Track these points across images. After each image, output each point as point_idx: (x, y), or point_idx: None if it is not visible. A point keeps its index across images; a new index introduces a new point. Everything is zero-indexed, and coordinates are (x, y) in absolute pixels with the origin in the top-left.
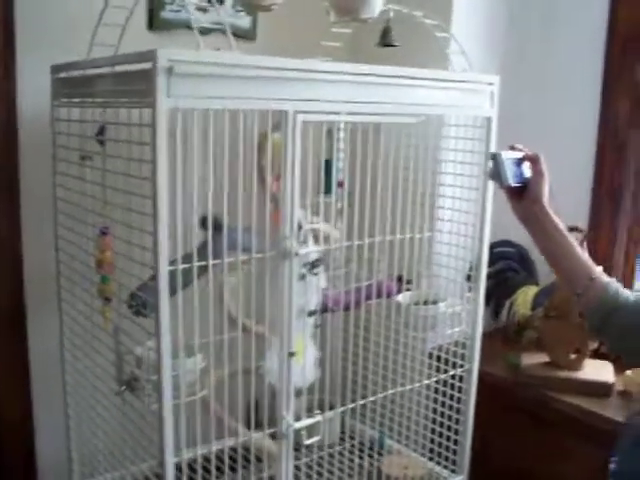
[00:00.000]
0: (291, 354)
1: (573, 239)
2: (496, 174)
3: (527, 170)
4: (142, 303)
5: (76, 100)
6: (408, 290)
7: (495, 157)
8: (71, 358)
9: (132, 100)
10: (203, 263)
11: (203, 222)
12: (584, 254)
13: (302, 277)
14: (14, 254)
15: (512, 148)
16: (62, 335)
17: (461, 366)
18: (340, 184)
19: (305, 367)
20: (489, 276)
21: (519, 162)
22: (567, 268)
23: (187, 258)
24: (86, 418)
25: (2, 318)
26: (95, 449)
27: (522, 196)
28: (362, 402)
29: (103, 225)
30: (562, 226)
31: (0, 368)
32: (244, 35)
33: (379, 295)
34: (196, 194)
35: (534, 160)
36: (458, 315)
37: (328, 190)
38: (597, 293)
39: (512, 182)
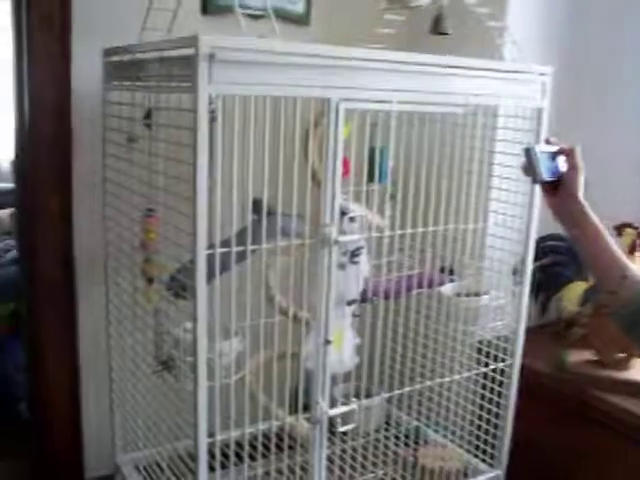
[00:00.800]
0: (327, 342)
1: (608, 235)
2: (530, 168)
3: (562, 164)
4: (181, 286)
5: (126, 83)
6: (452, 281)
7: (528, 151)
8: (116, 335)
9: (177, 85)
10: (242, 248)
11: (255, 205)
12: (619, 251)
13: (342, 266)
14: (65, 231)
15: (547, 142)
16: (108, 312)
17: (503, 360)
18: (392, 172)
19: (343, 354)
20: (537, 270)
21: (554, 156)
22: (601, 265)
23: (226, 243)
24: (128, 394)
25: (55, 290)
26: (135, 425)
27: (557, 191)
28: (400, 391)
29: (148, 207)
30: (597, 221)
31: (51, 340)
32: (297, 20)
33: (422, 285)
34: (236, 179)
35: (569, 153)
36: (502, 308)
37: (371, 178)
38: (629, 292)
39: (546, 177)
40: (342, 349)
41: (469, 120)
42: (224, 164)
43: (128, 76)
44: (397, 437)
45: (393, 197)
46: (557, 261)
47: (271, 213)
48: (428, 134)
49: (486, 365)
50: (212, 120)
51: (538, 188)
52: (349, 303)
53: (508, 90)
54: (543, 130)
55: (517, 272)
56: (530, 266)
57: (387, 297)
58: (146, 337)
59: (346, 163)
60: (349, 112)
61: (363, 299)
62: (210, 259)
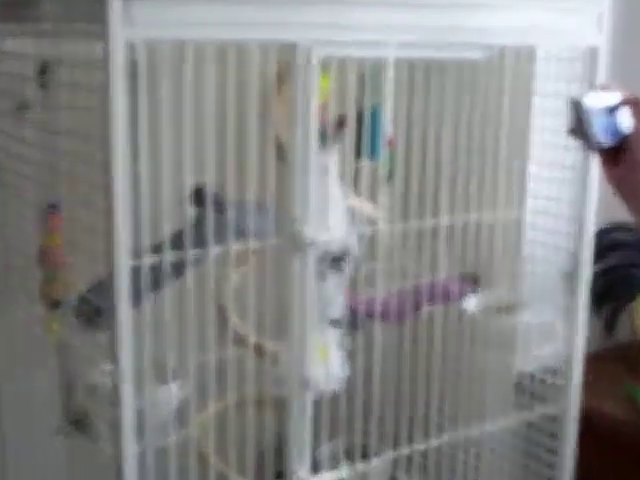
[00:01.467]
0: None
1: None
2: (580, 130)
3: (625, 120)
4: (94, 310)
5: (13, 28)
6: (477, 293)
7: (577, 105)
8: (7, 381)
9: (83, 29)
10: (180, 256)
11: (197, 195)
12: None
13: (321, 275)
14: None
15: (602, 90)
16: None
17: (554, 401)
18: (389, 143)
19: (330, 366)
20: (599, 274)
21: (613, 110)
22: None
23: (158, 248)
24: (26, 461)
25: None
26: None
27: (619, 158)
28: (409, 449)
29: (49, 201)
30: None
31: None
32: None
33: (435, 300)
34: (169, 159)
35: (635, 105)
36: (550, 329)
37: (359, 152)
38: None
39: (603, 140)
40: (328, 359)
41: (494, 68)
42: (152, 139)
43: (19, 17)
44: None
45: (390, 177)
46: (626, 260)
47: (220, 205)
48: (437, 90)
49: (530, 409)
50: (133, 77)
51: (594, 156)
52: (333, 324)
53: (549, 24)
54: (599, 78)
55: (570, 277)
56: (588, 268)
57: (386, 318)
58: (50, 383)
59: None
60: (326, 62)
61: (352, 322)
62: (136, 272)
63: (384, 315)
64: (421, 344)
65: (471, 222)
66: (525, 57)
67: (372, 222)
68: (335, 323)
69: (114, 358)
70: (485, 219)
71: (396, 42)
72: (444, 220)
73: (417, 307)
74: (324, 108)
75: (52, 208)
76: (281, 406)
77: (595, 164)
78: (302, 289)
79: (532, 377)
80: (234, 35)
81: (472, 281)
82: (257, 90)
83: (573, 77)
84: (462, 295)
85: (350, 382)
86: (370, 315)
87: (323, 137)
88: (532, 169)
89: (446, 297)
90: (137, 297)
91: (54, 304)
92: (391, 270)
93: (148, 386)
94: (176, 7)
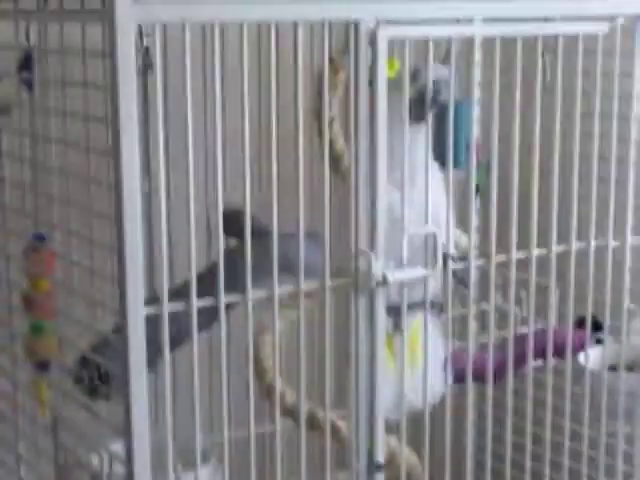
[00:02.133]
0: (378, 467)
1: None
2: None
3: None
4: (99, 375)
5: None
6: (600, 343)
7: None
8: None
9: (77, 10)
10: (210, 301)
11: (231, 222)
12: None
13: (397, 328)
14: None
15: None
16: None
17: None
18: (476, 152)
19: (421, 376)
20: None
21: None
22: None
23: (180, 292)
24: None
25: None
26: None
27: None
28: None
29: (36, 232)
30: None
31: None
32: None
33: (544, 353)
34: (194, 176)
35: None
36: None
37: (440, 159)
38: None
39: None
40: (419, 365)
41: (615, 47)
42: (171, 151)
43: None
44: None
45: (481, 192)
46: None
47: (261, 234)
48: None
49: None
50: (145, 71)
51: None
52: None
53: None
54: None
55: None
56: None
57: (480, 379)
58: (41, 469)
59: None
60: (394, 45)
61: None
62: (153, 324)
63: (477, 375)
64: (525, 410)
65: (589, 250)
66: None
67: (461, 252)
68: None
69: (126, 436)
70: (606, 247)
71: (482, 17)
72: (555, 248)
73: (519, 363)
74: None
75: (39, 240)
76: None
77: None
78: (371, 346)
79: None
80: (274, 15)
81: (593, 328)
82: (306, 84)
83: None
84: (581, 346)
85: None
86: (459, 378)
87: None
88: None
89: (559, 349)
90: (154, 356)
91: (42, 365)
92: (485, 315)
93: (171, 472)
94: None
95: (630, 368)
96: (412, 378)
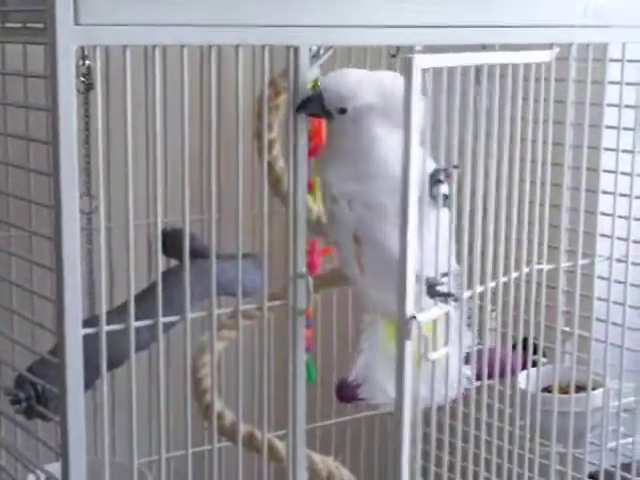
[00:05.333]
0: None
1: None
2: None
3: None
4: (35, 396)
5: None
6: (536, 366)
7: None
8: None
9: (15, 27)
10: (148, 321)
11: (170, 242)
12: None
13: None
14: None
15: None
16: None
17: None
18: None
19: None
20: None
21: None
22: None
23: (118, 313)
24: None
25: None
26: None
27: None
28: None
29: None
30: None
31: None
32: None
33: (488, 374)
34: (133, 196)
35: None
36: (632, 414)
37: None
38: None
39: None
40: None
41: (553, 73)
42: (111, 169)
43: None
44: None
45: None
46: None
47: (201, 255)
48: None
49: None
50: (87, 91)
51: None
52: None
53: (627, 16)
54: None
55: None
56: None
57: None
58: None
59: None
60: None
61: None
62: (91, 344)
63: None
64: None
65: (526, 275)
66: (595, 57)
67: None
68: None
69: (63, 457)
70: (542, 271)
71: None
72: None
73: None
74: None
75: None
76: None
77: None
78: (295, 373)
79: (611, 476)
80: (214, 40)
81: (531, 351)
82: (248, 105)
83: None
84: (519, 368)
85: None
86: None
87: None
88: (604, 204)
89: (499, 371)
90: (91, 377)
91: None
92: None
93: None
94: (140, 3)
95: (564, 391)
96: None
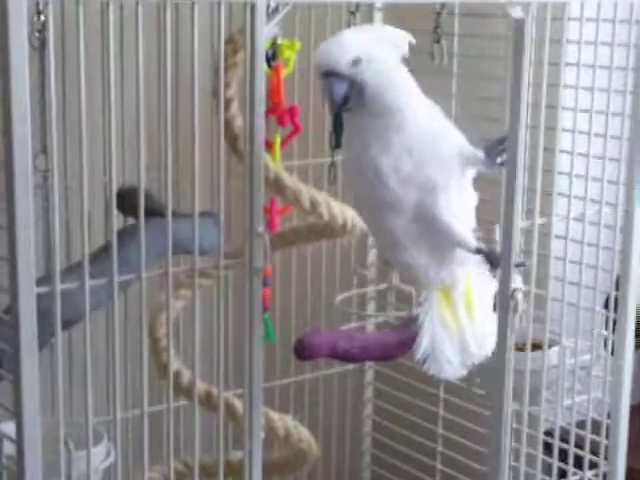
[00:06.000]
0: None
1: None
2: None
3: None
4: None
5: None
6: None
7: None
8: None
9: None
10: (103, 280)
11: (125, 200)
12: None
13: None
14: None
15: None
16: None
17: (593, 466)
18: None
19: (477, 326)
20: None
21: None
22: None
23: (74, 272)
24: None
25: None
26: None
27: None
28: None
29: None
30: None
31: None
32: None
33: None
34: (88, 153)
35: None
36: (587, 372)
37: (339, 143)
38: None
39: None
40: (477, 317)
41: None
42: (67, 127)
43: None
44: None
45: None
46: None
47: (159, 213)
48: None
49: (562, 475)
50: (42, 46)
51: None
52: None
53: None
54: None
55: (613, 304)
56: (636, 292)
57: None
58: None
59: (293, 115)
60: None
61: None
62: (44, 303)
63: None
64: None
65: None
66: (552, 17)
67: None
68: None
69: (17, 416)
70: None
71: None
72: None
73: (403, 346)
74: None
75: None
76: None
77: None
78: (251, 322)
79: (566, 433)
80: None
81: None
82: (206, 62)
83: (618, 44)
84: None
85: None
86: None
87: None
88: (561, 165)
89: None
90: (45, 336)
91: None
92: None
93: (63, 452)
94: None
95: (520, 349)
96: (472, 330)
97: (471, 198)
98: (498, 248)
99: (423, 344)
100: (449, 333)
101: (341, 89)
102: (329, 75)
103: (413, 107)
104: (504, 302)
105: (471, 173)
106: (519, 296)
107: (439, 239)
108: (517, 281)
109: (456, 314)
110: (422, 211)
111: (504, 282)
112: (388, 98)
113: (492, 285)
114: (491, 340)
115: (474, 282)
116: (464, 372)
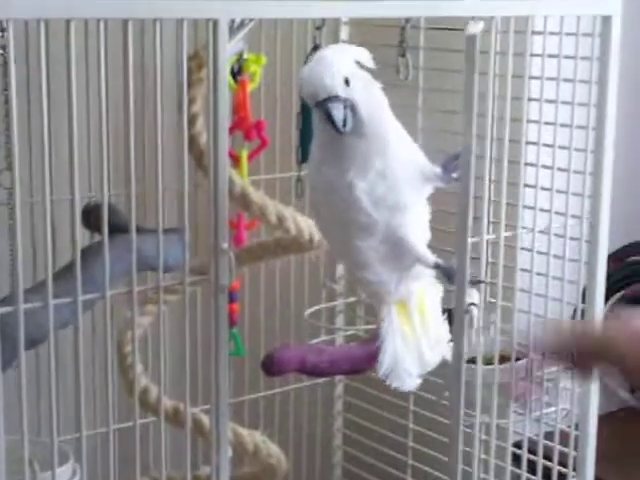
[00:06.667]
0: None
1: None
2: None
3: None
4: None
5: None
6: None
7: None
8: None
9: None
10: (67, 299)
11: (90, 216)
12: None
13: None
14: None
15: None
16: None
17: (562, 477)
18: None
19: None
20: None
21: None
22: None
23: (37, 290)
24: None
25: None
26: None
27: None
28: None
29: None
30: None
31: None
32: None
33: None
34: (49, 169)
35: None
36: (555, 384)
37: (306, 157)
38: None
39: None
40: (428, 324)
41: (479, 45)
42: (32, 144)
43: None
44: None
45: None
46: None
47: (124, 230)
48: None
49: None
50: (4, 62)
51: (608, 159)
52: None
53: None
54: (613, 56)
55: (580, 314)
56: (601, 304)
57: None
58: None
59: (260, 129)
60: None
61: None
62: (7, 324)
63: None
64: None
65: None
66: (517, 31)
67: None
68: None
69: None
70: (468, 242)
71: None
72: None
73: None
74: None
75: None
76: None
77: (610, 168)
78: (217, 335)
79: (534, 444)
80: (131, 14)
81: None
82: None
83: (580, 57)
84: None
85: None
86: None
87: None
88: (527, 176)
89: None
90: (10, 355)
91: None
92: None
93: (28, 472)
94: None
95: (488, 362)
96: (427, 340)
97: (426, 212)
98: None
99: (386, 360)
100: (408, 347)
101: (341, 112)
102: (326, 101)
103: (392, 128)
104: (459, 317)
105: (428, 190)
106: (474, 311)
107: (402, 256)
108: (473, 296)
109: (412, 326)
110: (390, 232)
111: (459, 297)
112: (376, 117)
113: (440, 291)
114: (443, 346)
115: (426, 292)
116: (420, 381)
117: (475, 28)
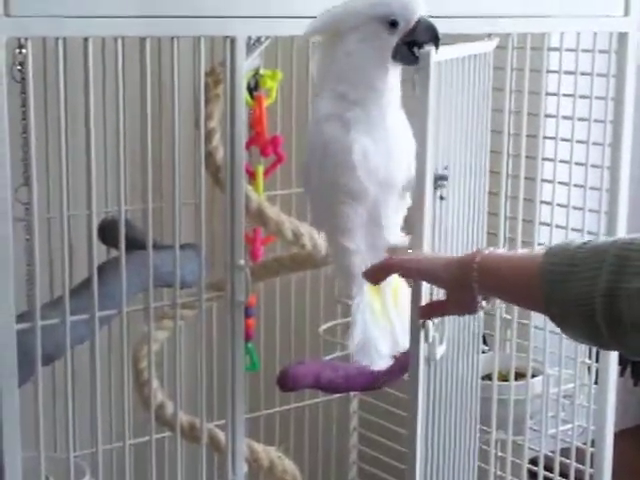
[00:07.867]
0: None
1: None
2: None
3: None
4: None
5: None
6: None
7: None
8: None
9: None
10: (84, 315)
11: (107, 233)
12: None
13: None
14: None
15: None
16: None
17: None
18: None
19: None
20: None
21: None
22: None
23: (54, 306)
24: None
25: None
26: None
27: None
28: None
29: None
30: None
31: None
32: None
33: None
34: (67, 186)
35: None
36: (571, 401)
37: None
38: None
39: None
40: (402, 307)
41: (495, 61)
42: (49, 160)
43: None
44: None
45: None
46: None
47: (139, 244)
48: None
49: None
50: (23, 78)
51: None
52: None
53: (565, 5)
54: (630, 70)
55: None
56: None
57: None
58: None
59: (276, 145)
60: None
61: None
62: (24, 340)
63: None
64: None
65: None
66: (534, 47)
67: None
68: None
69: None
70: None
71: None
72: None
73: (399, 371)
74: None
75: None
76: None
77: (625, 183)
78: (233, 357)
79: (550, 461)
80: (149, 32)
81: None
82: (188, 95)
83: (596, 73)
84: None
85: None
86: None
87: None
88: (544, 192)
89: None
90: (27, 371)
91: None
92: None
93: None
94: None
95: (504, 379)
96: (401, 322)
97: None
98: None
99: (356, 333)
100: (378, 323)
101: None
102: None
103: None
104: (415, 333)
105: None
106: (430, 325)
107: (377, 235)
108: None
109: (385, 307)
110: (375, 206)
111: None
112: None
113: None
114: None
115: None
116: (390, 362)
117: (489, 46)
